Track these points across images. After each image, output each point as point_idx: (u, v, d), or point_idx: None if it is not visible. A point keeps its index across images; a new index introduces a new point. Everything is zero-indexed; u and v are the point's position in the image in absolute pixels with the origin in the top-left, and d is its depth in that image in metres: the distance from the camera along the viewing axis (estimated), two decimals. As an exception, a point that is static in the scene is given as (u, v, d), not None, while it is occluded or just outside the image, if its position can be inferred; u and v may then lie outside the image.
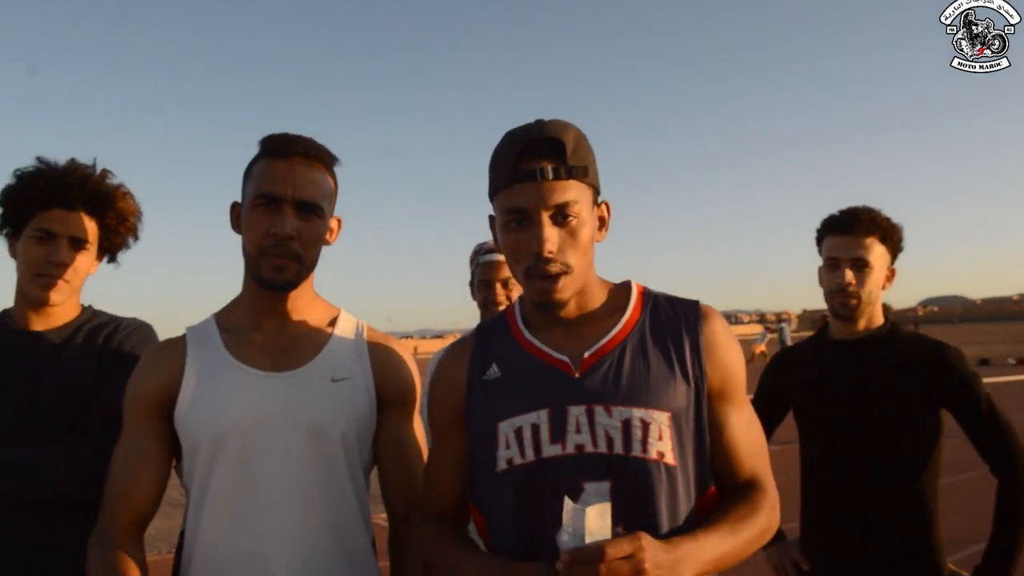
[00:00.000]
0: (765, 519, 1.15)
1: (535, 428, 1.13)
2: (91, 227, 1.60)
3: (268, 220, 1.29)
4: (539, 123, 1.14)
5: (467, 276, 2.53)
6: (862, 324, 1.95)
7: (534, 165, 1.10)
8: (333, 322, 1.44)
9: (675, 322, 1.19)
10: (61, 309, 1.61)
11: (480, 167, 1.20)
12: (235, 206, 1.38)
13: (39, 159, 1.61)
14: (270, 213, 1.29)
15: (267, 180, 1.30)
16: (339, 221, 1.44)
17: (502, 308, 2.35)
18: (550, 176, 1.10)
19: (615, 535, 0.98)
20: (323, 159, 1.36)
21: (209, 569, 1.27)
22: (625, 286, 1.27)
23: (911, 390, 1.83)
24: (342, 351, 1.39)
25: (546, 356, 1.18)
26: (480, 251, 2.42)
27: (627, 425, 1.10)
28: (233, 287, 1.44)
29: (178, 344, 1.37)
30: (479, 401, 1.20)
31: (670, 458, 1.10)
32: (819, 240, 2.03)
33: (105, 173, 1.64)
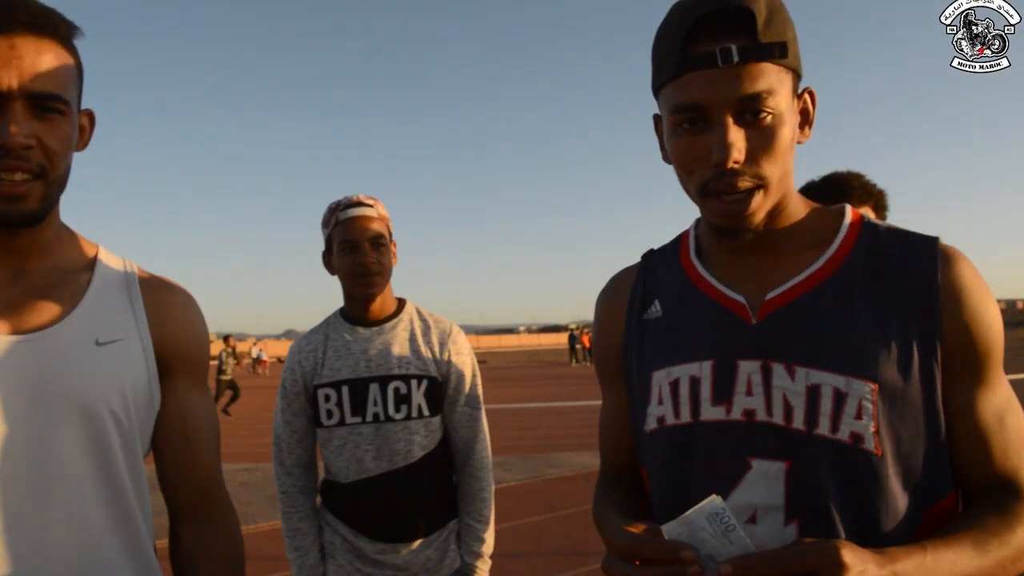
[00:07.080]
0: None
1: (694, 383, 0.90)
2: None
3: None
4: None
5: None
6: None
7: (713, 46, 0.82)
8: (92, 264, 1.08)
9: (902, 263, 0.88)
10: None
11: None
12: None
13: None
14: None
15: None
16: (91, 116, 1.06)
17: (374, 277, 1.86)
18: (735, 59, 0.81)
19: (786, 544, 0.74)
20: (57, 29, 0.95)
21: None
22: (837, 211, 0.97)
23: None
24: (108, 303, 1.04)
25: (717, 294, 0.94)
26: (339, 207, 1.90)
27: (814, 393, 0.83)
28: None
29: None
30: (635, 344, 1.00)
31: (871, 444, 0.82)
32: None
33: None
